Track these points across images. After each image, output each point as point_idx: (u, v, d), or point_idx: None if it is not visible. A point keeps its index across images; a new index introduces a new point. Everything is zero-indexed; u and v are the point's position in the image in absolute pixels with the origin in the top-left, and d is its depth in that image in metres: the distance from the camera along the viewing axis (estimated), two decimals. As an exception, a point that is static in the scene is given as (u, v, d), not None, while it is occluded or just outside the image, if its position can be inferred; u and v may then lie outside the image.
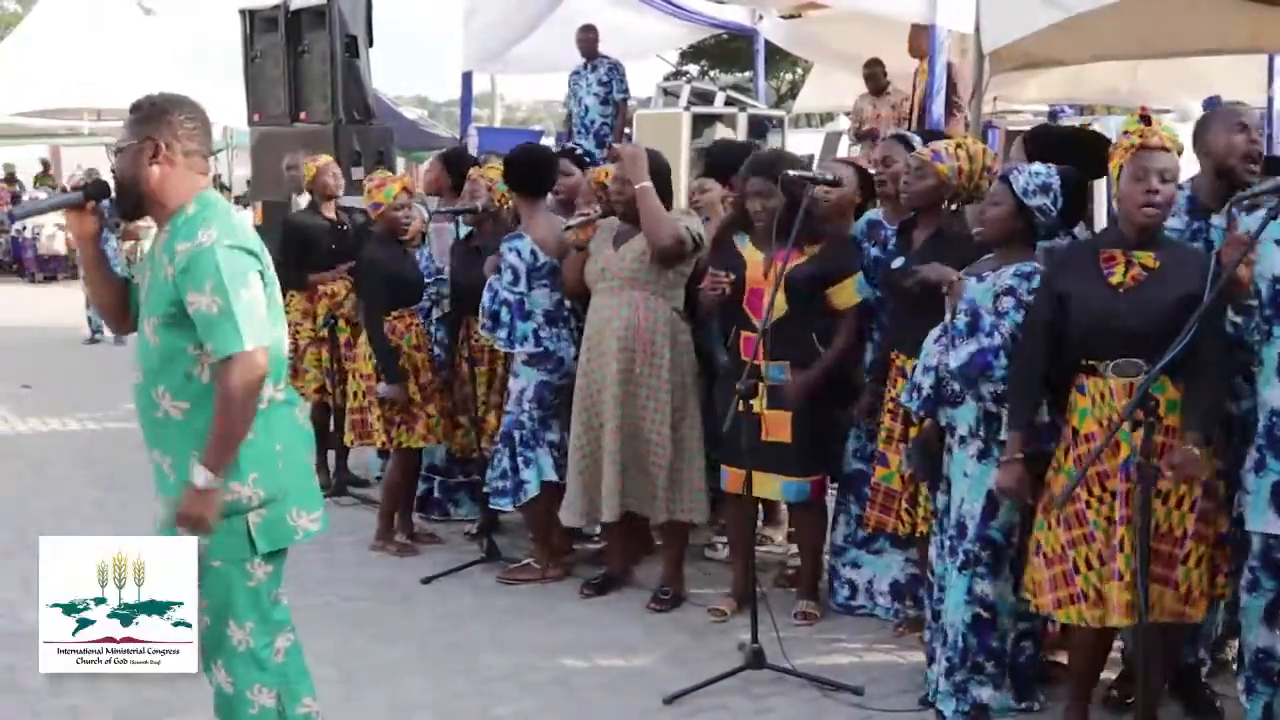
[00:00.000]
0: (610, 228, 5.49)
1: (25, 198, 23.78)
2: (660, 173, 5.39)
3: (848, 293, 5.07)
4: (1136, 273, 3.77)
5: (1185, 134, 4.10)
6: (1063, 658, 4.46)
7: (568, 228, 5.58)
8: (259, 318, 3.20)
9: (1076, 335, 3.83)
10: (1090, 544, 3.80)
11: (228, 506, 3.23)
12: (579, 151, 6.71)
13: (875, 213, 5.45)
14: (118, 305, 3.50)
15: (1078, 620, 3.87)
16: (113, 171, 3.35)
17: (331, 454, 7.24)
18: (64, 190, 3.49)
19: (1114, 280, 3.78)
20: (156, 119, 3.30)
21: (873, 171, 5.49)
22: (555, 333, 5.66)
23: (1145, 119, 3.82)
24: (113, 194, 3.36)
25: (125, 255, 12.84)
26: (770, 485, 5.06)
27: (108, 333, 14.15)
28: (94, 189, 3.36)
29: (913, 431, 4.62)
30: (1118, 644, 4.29)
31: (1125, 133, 3.83)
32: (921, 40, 9.75)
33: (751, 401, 4.61)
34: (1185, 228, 4.11)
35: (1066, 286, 3.84)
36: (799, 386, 5.04)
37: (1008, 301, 4.09)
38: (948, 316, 4.27)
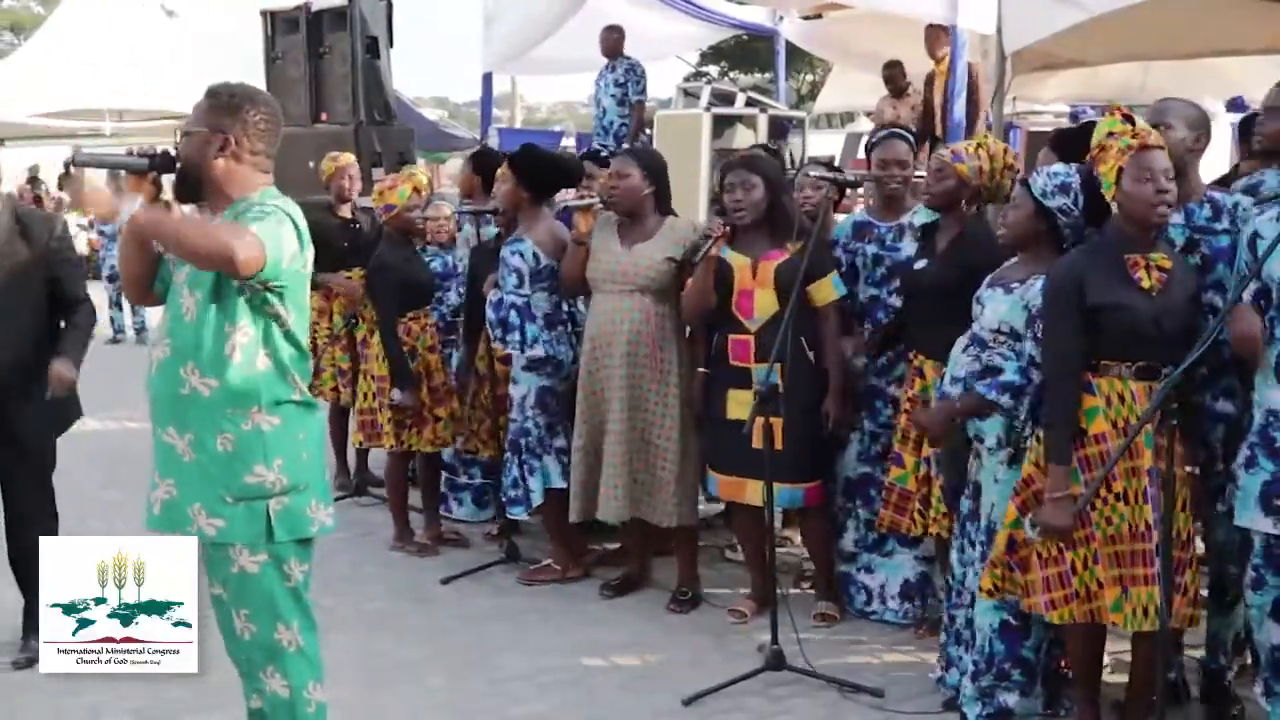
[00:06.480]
0: (610, 223, 5.44)
1: (51, 192, 23.92)
2: (657, 172, 5.38)
3: (827, 289, 5.06)
4: (1158, 275, 3.76)
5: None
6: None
7: (566, 206, 5.52)
8: (279, 245, 3.17)
9: (1109, 342, 3.77)
10: (1089, 545, 3.78)
11: (251, 490, 3.23)
12: (604, 154, 6.68)
13: (860, 213, 5.45)
14: (147, 276, 3.44)
15: (1070, 619, 3.85)
16: (177, 152, 3.33)
17: (352, 454, 7.25)
18: (131, 154, 3.47)
19: (1145, 285, 3.75)
20: (231, 112, 3.29)
21: (870, 171, 5.45)
22: (554, 335, 5.63)
23: (1128, 119, 3.79)
24: (175, 173, 3.32)
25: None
26: (763, 492, 4.94)
27: (129, 333, 14.24)
28: (161, 162, 3.30)
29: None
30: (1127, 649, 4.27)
31: (1111, 134, 3.77)
32: (935, 40, 9.75)
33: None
34: None
35: (1100, 298, 3.76)
36: (838, 409, 5.05)
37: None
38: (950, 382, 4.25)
